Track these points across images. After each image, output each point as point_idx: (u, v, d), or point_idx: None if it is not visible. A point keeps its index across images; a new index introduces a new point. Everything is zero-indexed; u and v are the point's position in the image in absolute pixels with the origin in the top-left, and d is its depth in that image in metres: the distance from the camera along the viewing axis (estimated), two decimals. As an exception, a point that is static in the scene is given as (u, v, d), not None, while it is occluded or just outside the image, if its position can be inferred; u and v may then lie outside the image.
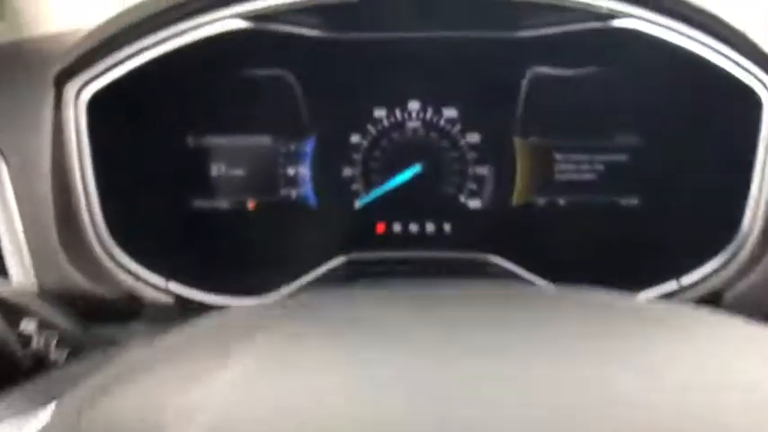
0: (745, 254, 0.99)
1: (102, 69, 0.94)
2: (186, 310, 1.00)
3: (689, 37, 0.93)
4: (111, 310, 0.96)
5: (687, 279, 1.01)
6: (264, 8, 0.88)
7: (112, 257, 0.97)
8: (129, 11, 0.90)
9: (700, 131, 1.12)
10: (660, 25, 0.91)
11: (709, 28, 0.93)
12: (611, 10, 0.88)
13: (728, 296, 0.99)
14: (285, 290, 1.03)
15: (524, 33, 1.00)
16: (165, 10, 0.87)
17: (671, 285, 1.01)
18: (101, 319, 0.96)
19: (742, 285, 0.98)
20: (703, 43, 0.93)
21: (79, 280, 0.93)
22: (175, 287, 0.98)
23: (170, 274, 0.99)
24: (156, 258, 1.00)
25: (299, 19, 0.97)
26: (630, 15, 0.89)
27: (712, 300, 1.00)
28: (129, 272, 0.97)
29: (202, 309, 1.00)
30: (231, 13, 0.88)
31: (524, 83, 1.17)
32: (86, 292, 0.93)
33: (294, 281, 1.05)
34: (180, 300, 0.99)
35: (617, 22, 0.90)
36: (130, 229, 1.00)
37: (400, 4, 0.94)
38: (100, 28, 0.93)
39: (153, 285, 0.98)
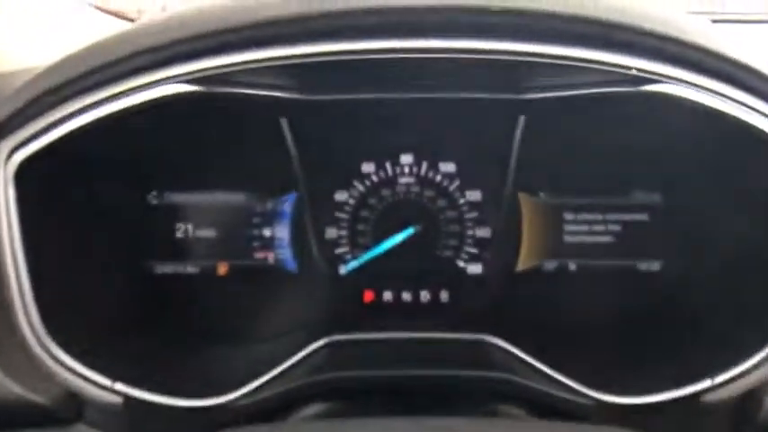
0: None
1: (34, 131, 0.78)
2: (136, 412, 0.84)
3: (728, 98, 0.79)
4: (47, 415, 0.81)
5: (723, 376, 0.85)
6: (210, 69, 0.72)
7: (50, 355, 0.82)
8: (64, 62, 0.75)
9: (735, 198, 0.97)
10: (699, 88, 0.76)
11: (753, 87, 0.78)
12: (643, 71, 0.73)
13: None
14: (252, 386, 0.87)
15: (531, 95, 0.86)
16: (105, 66, 0.72)
17: (704, 384, 0.85)
18: (34, 425, 0.81)
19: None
20: (746, 105, 0.78)
21: (10, 385, 0.78)
22: (124, 387, 0.83)
23: (118, 371, 0.84)
24: (102, 354, 0.85)
25: (262, 80, 0.82)
26: (666, 79, 0.74)
27: (749, 401, 0.85)
28: (71, 371, 0.82)
29: (155, 410, 0.84)
30: (176, 75, 0.72)
31: (530, 136, 1.03)
32: (19, 398, 0.78)
33: (264, 372, 0.89)
34: (129, 400, 0.83)
35: (649, 87, 0.75)
36: (71, 320, 0.85)
37: (381, 68, 0.79)
38: (32, 81, 0.78)
39: (98, 385, 0.83)
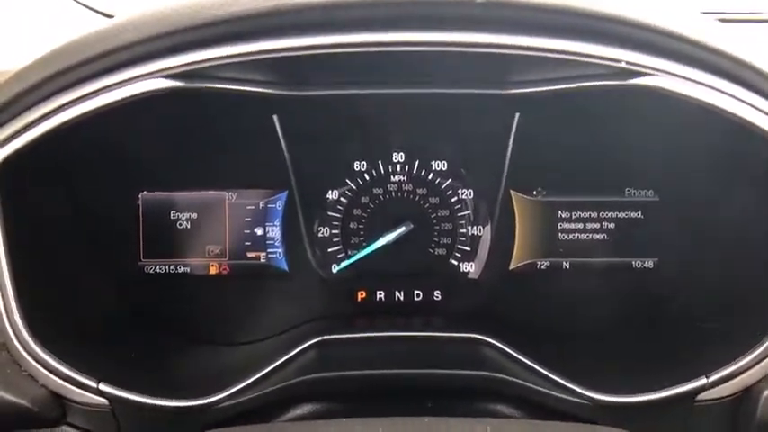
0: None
1: (14, 130, 0.76)
2: (122, 414, 0.83)
3: (719, 91, 0.77)
4: (30, 417, 0.79)
5: (718, 374, 0.84)
6: (190, 64, 0.71)
7: (33, 356, 0.81)
8: (43, 60, 0.74)
9: (729, 194, 0.96)
10: (690, 81, 0.74)
11: (747, 81, 0.76)
12: (632, 64, 0.72)
13: (764, 395, 0.82)
14: (240, 386, 0.86)
15: (520, 90, 0.85)
16: (84, 62, 0.71)
17: (699, 382, 0.84)
18: (16, 427, 0.80)
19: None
20: (739, 99, 0.76)
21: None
22: (109, 388, 0.82)
23: (102, 372, 0.83)
24: (87, 355, 0.84)
25: (247, 76, 0.81)
26: (655, 71, 0.73)
27: (745, 398, 0.84)
28: (54, 372, 0.81)
29: (141, 411, 0.83)
30: (156, 70, 0.71)
31: (525, 134, 1.01)
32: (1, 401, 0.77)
33: (253, 372, 0.88)
34: (115, 402, 0.82)
35: (639, 81, 0.73)
36: (55, 320, 0.84)
37: (364, 63, 0.78)
38: (11, 80, 0.76)
39: (82, 386, 0.82)
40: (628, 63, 0.72)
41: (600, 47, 0.71)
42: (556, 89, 0.80)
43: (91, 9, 1.10)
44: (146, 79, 0.72)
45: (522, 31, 0.70)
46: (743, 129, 0.77)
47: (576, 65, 0.72)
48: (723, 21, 1.16)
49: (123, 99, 0.72)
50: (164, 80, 0.72)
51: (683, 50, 0.73)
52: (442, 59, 0.76)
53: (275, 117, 1.02)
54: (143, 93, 0.72)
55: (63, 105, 0.73)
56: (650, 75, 0.73)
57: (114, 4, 1.15)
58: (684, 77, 0.74)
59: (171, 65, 0.71)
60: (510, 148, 1.02)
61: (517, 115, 0.98)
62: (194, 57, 0.70)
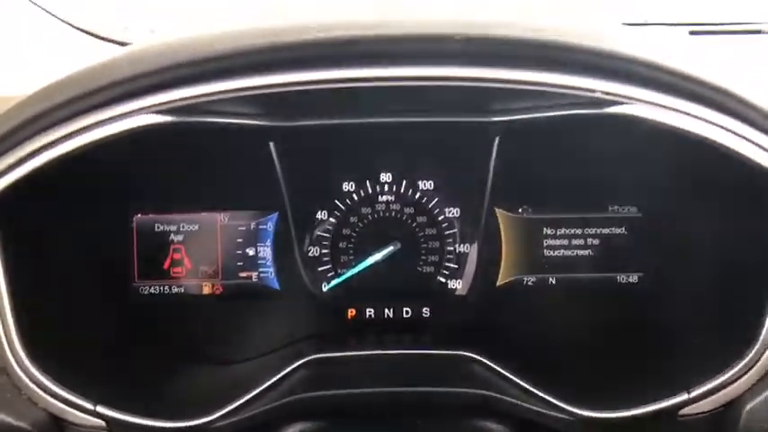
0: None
1: (13, 161, 0.79)
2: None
3: (695, 117, 0.80)
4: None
5: (700, 389, 0.86)
6: (180, 100, 0.73)
7: (32, 380, 0.83)
8: (36, 97, 0.77)
9: (708, 210, 0.99)
10: (663, 108, 0.77)
11: (722, 105, 0.79)
12: (608, 94, 0.75)
13: (746, 410, 0.84)
14: (233, 406, 0.88)
15: (500, 118, 0.88)
16: (76, 99, 0.73)
17: (681, 397, 0.86)
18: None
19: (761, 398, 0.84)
20: (714, 124, 0.79)
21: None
22: (106, 410, 0.84)
23: (100, 394, 0.85)
24: (84, 377, 0.86)
25: (233, 109, 0.83)
26: (630, 100, 0.76)
27: (728, 412, 0.86)
28: (52, 395, 0.83)
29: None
30: (147, 106, 0.74)
31: (507, 155, 1.04)
32: (1, 423, 0.79)
33: (246, 392, 0.90)
34: (112, 423, 0.84)
35: (614, 109, 0.76)
36: (53, 344, 0.86)
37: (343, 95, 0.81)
38: (10, 112, 0.79)
39: (80, 408, 0.84)
40: (603, 93, 0.74)
41: (575, 77, 0.74)
42: (534, 117, 0.82)
43: (104, 39, 1.12)
44: (137, 115, 0.74)
45: (499, 65, 0.73)
46: (715, 150, 0.80)
47: (552, 95, 0.75)
48: (693, 33, 1.20)
49: (114, 135, 0.74)
50: (155, 116, 0.74)
51: (657, 78, 0.76)
52: (425, 91, 0.79)
53: (271, 144, 1.04)
54: (133, 128, 0.74)
55: (58, 139, 0.75)
56: (625, 103, 0.76)
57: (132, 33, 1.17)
58: (659, 105, 0.77)
59: (162, 100, 0.73)
60: (492, 170, 1.04)
61: (497, 139, 1.01)
62: (185, 92, 0.73)
